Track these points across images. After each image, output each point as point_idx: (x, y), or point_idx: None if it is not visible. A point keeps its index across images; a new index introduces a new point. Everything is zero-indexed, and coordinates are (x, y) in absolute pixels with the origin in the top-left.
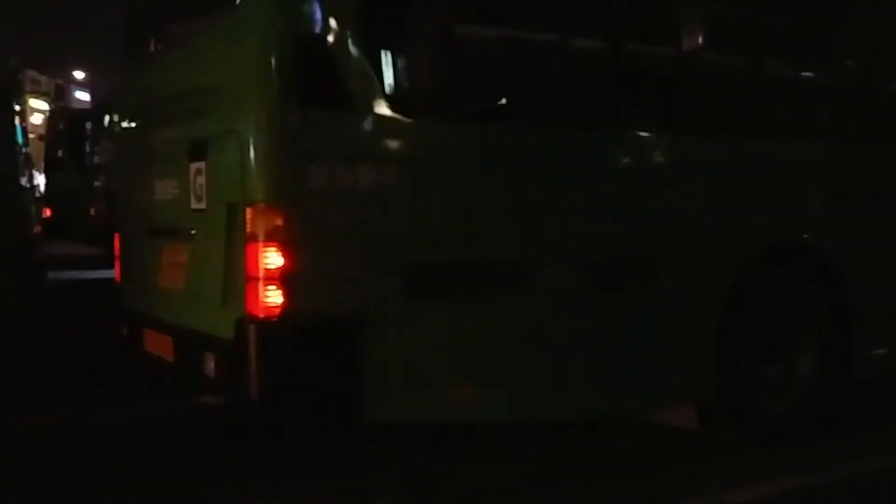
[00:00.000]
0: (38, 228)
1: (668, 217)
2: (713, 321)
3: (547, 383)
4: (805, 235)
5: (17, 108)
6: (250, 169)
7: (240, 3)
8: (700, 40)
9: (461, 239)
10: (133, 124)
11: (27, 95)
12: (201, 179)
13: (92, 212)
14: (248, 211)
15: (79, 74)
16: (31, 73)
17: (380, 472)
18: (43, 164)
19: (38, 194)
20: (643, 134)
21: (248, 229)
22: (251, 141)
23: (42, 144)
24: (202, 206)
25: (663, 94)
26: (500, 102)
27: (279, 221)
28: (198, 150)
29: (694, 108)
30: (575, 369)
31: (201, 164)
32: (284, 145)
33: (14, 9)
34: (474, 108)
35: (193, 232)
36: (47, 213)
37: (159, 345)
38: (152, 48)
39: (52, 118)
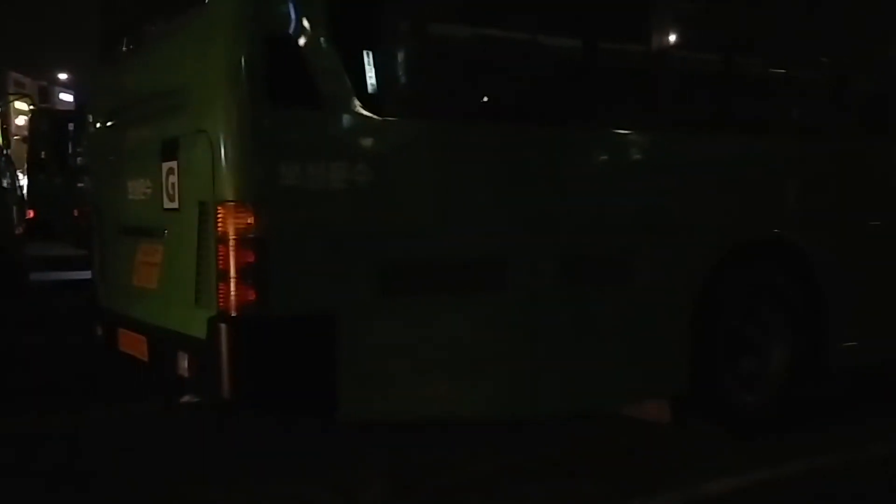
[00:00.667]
0: (20, 230)
1: (641, 213)
2: (686, 316)
3: (522, 380)
4: (776, 230)
5: None
6: (221, 168)
7: (209, 2)
8: (667, 37)
9: (434, 236)
10: (107, 124)
11: (10, 97)
12: (173, 179)
13: (75, 213)
14: (220, 210)
15: (63, 76)
16: (15, 74)
17: (365, 468)
18: (25, 166)
19: (20, 196)
20: (615, 131)
21: (220, 228)
22: (221, 140)
23: (26, 146)
24: (174, 205)
25: (635, 91)
26: (471, 101)
27: (250, 220)
28: (169, 150)
29: (665, 105)
30: (550, 366)
31: (173, 164)
32: (254, 144)
33: None
34: (445, 107)
35: (166, 231)
36: (31, 214)
37: (134, 344)
38: (125, 48)
39: (34, 119)
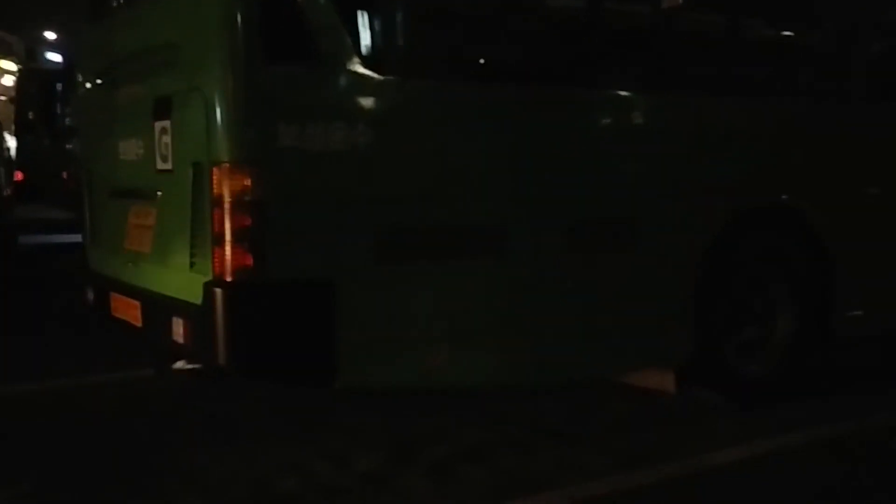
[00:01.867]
0: (7, 192)
1: (645, 177)
2: (690, 283)
3: (524, 347)
4: (783, 196)
5: None
6: (216, 128)
7: None
8: None
9: (436, 200)
10: (96, 83)
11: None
12: (166, 139)
13: (64, 175)
14: (215, 171)
15: (50, 35)
16: (1, 33)
17: (358, 434)
18: (13, 127)
19: (8, 157)
20: (619, 92)
21: (215, 190)
22: (216, 98)
23: (13, 107)
24: (168, 166)
25: (639, 51)
26: (475, 60)
27: (246, 182)
28: (162, 109)
29: (670, 65)
30: (551, 333)
31: (166, 123)
32: (250, 103)
33: None
34: (449, 66)
35: (159, 193)
36: (19, 176)
37: (126, 310)
38: (115, 2)
39: (21, 80)
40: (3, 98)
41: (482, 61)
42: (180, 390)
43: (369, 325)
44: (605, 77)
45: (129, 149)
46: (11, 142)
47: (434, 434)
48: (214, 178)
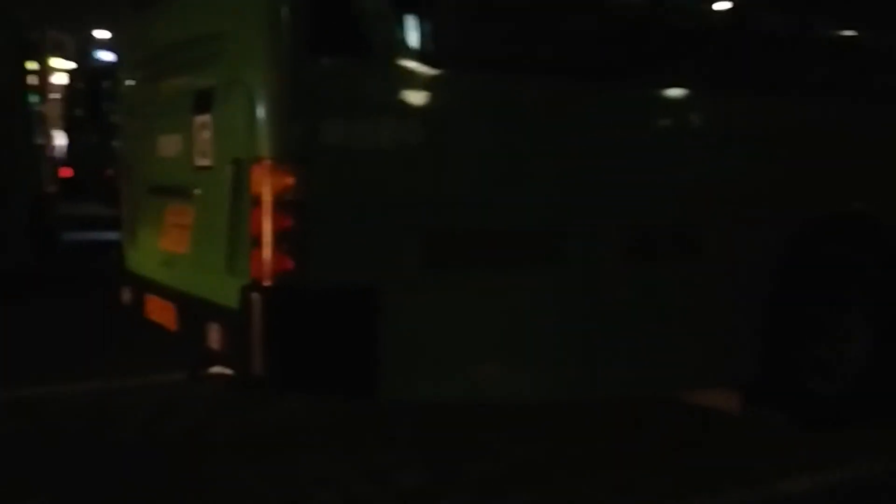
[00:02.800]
0: (52, 188)
1: (715, 182)
2: (759, 296)
3: (579, 360)
4: (858, 204)
5: (32, 66)
6: (257, 122)
7: None
8: None
9: (489, 202)
10: (138, 76)
11: (48, 55)
12: (206, 134)
13: (108, 172)
14: (255, 168)
15: (102, 34)
16: (54, 33)
17: (399, 449)
18: (62, 124)
19: (54, 154)
20: (690, 92)
21: (255, 189)
22: (259, 91)
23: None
24: (207, 162)
25: (709, 49)
26: (536, 53)
27: (288, 180)
28: (203, 102)
29: (742, 64)
30: (609, 345)
31: (206, 118)
32: (295, 97)
33: None
34: (508, 59)
35: (198, 191)
36: (68, 173)
37: (161, 312)
38: None
39: (70, 77)
40: (56, 96)
41: (543, 54)
42: (214, 397)
43: (415, 334)
44: (676, 74)
45: (169, 144)
46: (62, 139)
47: (481, 451)
48: (254, 175)
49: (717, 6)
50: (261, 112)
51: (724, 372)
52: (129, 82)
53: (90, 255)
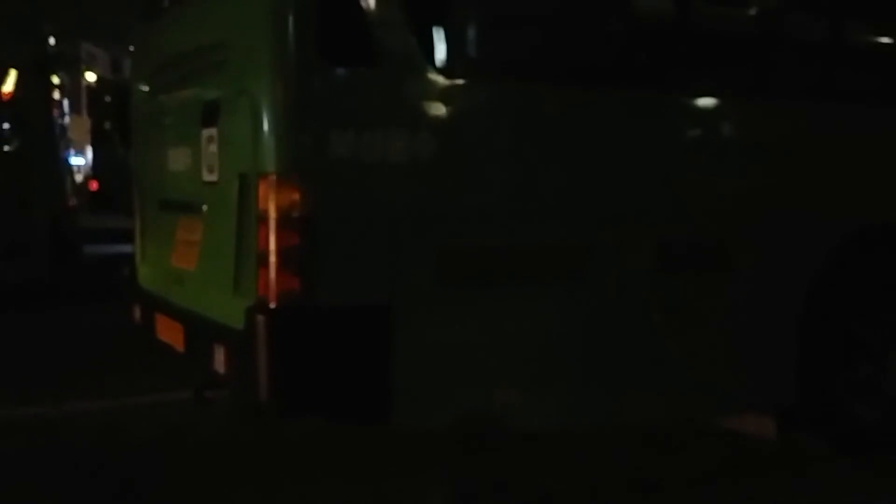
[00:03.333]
0: (73, 201)
1: (746, 194)
2: (794, 314)
3: (604, 384)
4: None
5: (57, 79)
6: (263, 135)
7: None
8: None
9: (507, 218)
10: (148, 89)
11: (83, 68)
12: (213, 147)
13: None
14: (261, 183)
15: None
16: (87, 46)
17: (417, 476)
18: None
19: (77, 167)
20: (719, 99)
21: (261, 204)
22: (264, 103)
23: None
24: (214, 178)
25: (743, 54)
26: (556, 60)
27: (295, 195)
28: (210, 115)
29: (775, 70)
30: (636, 368)
31: (213, 131)
32: (302, 108)
33: None
34: (526, 67)
35: (205, 207)
36: (94, 185)
37: (170, 332)
38: (165, 3)
39: (97, 90)
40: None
41: (563, 61)
42: (224, 417)
43: (429, 357)
44: (704, 81)
45: (178, 158)
46: (89, 152)
47: (499, 480)
48: (260, 190)
49: (749, 11)
50: (266, 124)
51: (759, 395)
52: (139, 94)
53: (113, 267)
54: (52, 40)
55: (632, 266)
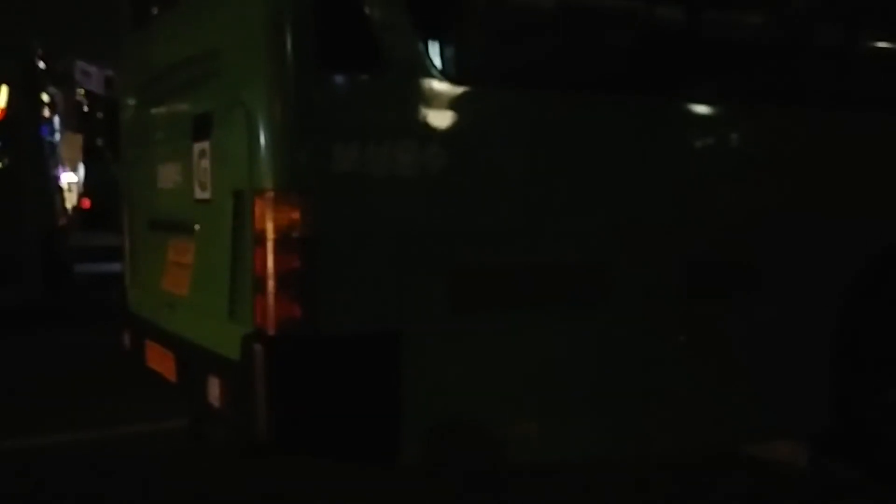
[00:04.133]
0: (63, 220)
1: (777, 208)
2: (827, 336)
3: (627, 414)
4: None
5: (47, 96)
6: (260, 149)
7: None
8: None
9: (523, 236)
10: (137, 102)
11: (76, 85)
12: (206, 163)
13: None
14: (257, 201)
15: None
16: (81, 63)
17: None
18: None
19: (70, 186)
20: (747, 106)
21: (257, 224)
22: (260, 114)
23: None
24: (206, 195)
25: (778, 57)
26: (572, 66)
27: (295, 214)
28: (201, 128)
29: (810, 79)
30: (660, 397)
31: (205, 145)
32: (301, 119)
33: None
34: (541, 73)
35: (197, 226)
36: (86, 203)
37: (161, 361)
38: (155, 9)
39: (90, 107)
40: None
41: (580, 68)
42: (221, 454)
43: (442, 389)
44: (731, 88)
45: (168, 174)
46: (81, 170)
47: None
48: (257, 209)
49: (774, 16)
50: (263, 137)
51: (790, 422)
52: (128, 107)
53: (105, 287)
54: (41, 56)
55: (653, 287)
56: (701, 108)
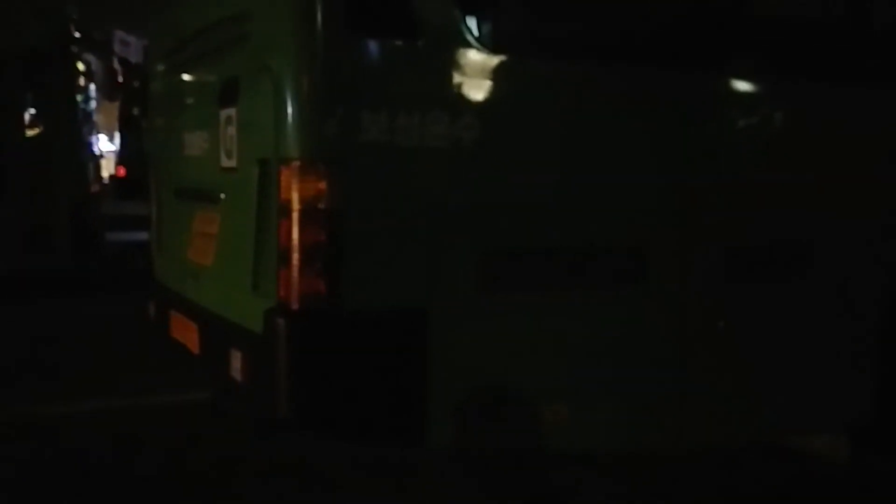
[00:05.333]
0: (96, 188)
1: (823, 191)
2: (872, 325)
3: (662, 404)
4: None
5: (82, 65)
6: (287, 117)
7: None
8: None
9: (558, 214)
10: (165, 68)
11: (113, 55)
12: (232, 130)
13: None
14: (283, 171)
15: None
16: (120, 33)
17: (455, 494)
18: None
19: (102, 154)
20: (795, 84)
21: (282, 195)
22: (288, 80)
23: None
24: (232, 163)
25: (826, 35)
26: (617, 37)
27: (322, 185)
28: (228, 94)
29: (867, 57)
30: (698, 386)
31: (232, 111)
32: (329, 86)
33: None
34: (582, 43)
35: (223, 196)
36: (121, 172)
37: (185, 332)
38: None
39: (126, 77)
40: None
41: (625, 38)
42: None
43: (470, 371)
44: (785, 65)
45: (195, 142)
46: (117, 139)
47: (540, 497)
48: (282, 179)
49: None
50: (290, 104)
51: (831, 415)
52: (155, 74)
53: (135, 256)
54: (77, 24)
55: (691, 271)
56: (747, 85)
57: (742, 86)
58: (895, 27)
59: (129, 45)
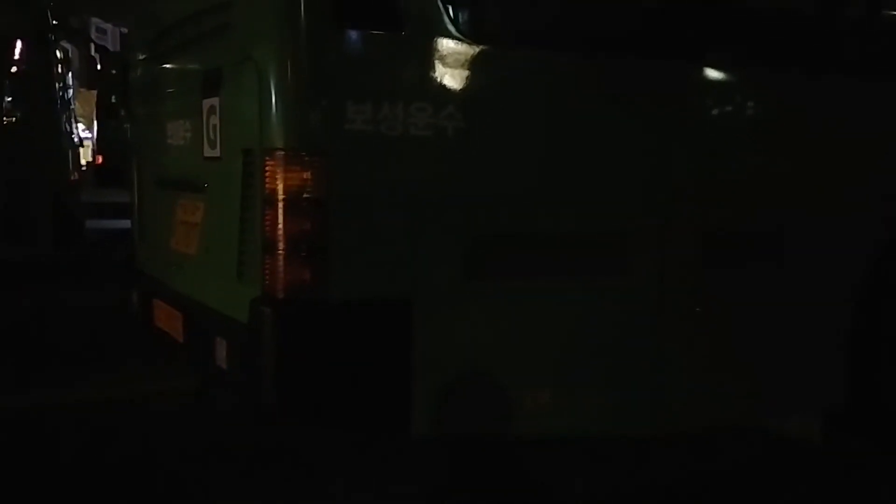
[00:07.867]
0: (75, 176)
1: (800, 179)
2: (846, 310)
3: (641, 388)
4: None
5: (60, 52)
6: (270, 106)
7: None
8: None
9: (541, 203)
10: (146, 56)
11: (90, 43)
12: (215, 119)
13: None
14: (267, 161)
15: None
16: (96, 20)
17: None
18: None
19: (76, 142)
20: (776, 73)
21: (267, 185)
22: (272, 70)
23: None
24: (215, 153)
25: (800, 25)
26: (602, 28)
27: (305, 174)
28: (211, 83)
29: (845, 44)
30: (678, 371)
31: (215, 101)
32: (313, 76)
33: None
34: (566, 34)
35: (207, 185)
36: (99, 160)
37: (169, 321)
38: None
39: (103, 64)
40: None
41: (610, 29)
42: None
43: (455, 358)
44: (764, 55)
45: (177, 131)
46: (94, 126)
47: (526, 488)
48: (267, 169)
49: None
50: (274, 94)
51: (806, 398)
52: (137, 62)
53: (116, 244)
54: (53, 11)
55: (671, 258)
56: (725, 75)
57: (721, 75)
58: (870, 17)
59: (106, 34)
